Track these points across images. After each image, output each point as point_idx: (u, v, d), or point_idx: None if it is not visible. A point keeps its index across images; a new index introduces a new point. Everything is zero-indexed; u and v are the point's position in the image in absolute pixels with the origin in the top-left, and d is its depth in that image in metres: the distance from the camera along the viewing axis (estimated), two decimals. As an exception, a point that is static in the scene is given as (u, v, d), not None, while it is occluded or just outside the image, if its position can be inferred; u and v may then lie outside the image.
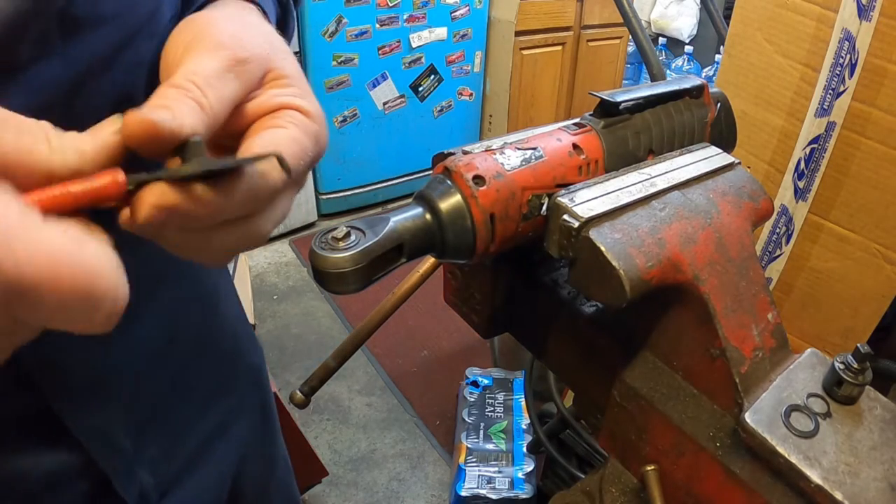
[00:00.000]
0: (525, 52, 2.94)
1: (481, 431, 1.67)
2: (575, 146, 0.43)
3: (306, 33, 2.45)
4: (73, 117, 0.27)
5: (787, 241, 1.00)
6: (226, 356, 0.62)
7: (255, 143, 0.32)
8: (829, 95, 0.87)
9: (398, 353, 2.19)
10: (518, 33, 2.86)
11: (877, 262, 0.91)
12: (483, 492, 1.52)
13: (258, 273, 2.56)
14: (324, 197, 2.85)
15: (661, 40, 3.57)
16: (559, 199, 0.39)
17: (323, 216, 2.90)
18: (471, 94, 3.07)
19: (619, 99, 0.45)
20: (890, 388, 1.01)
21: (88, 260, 0.23)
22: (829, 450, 0.36)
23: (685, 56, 3.30)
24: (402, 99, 2.83)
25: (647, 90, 0.48)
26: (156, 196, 0.27)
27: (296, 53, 2.46)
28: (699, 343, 0.41)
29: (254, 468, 0.68)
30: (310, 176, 1.22)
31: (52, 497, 0.45)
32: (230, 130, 0.33)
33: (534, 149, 0.41)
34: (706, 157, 0.47)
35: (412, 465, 1.81)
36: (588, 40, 3.15)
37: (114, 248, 0.25)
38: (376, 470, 1.80)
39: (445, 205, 0.38)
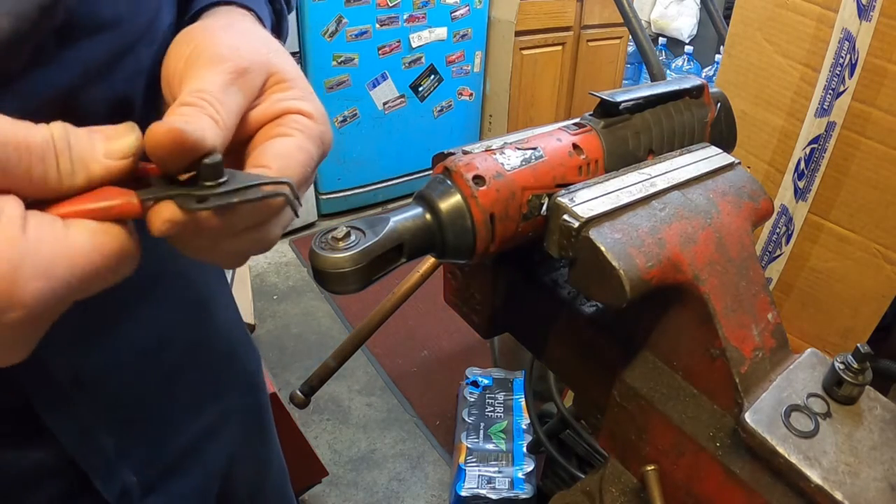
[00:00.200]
0: (525, 52, 2.94)
1: (481, 431, 1.67)
2: (575, 146, 0.43)
3: (306, 33, 2.45)
4: (70, 123, 0.27)
5: (787, 241, 1.00)
6: (218, 359, 0.62)
7: (263, 155, 0.33)
8: (829, 95, 0.87)
9: (398, 353, 2.19)
10: (518, 33, 2.86)
11: (877, 262, 0.91)
12: (483, 492, 1.52)
13: (258, 273, 2.56)
14: (324, 197, 2.84)
15: (661, 40, 3.57)
16: (559, 199, 0.39)
17: (323, 216, 2.90)
18: (471, 94, 3.07)
19: (619, 99, 0.45)
20: (890, 388, 1.01)
21: (107, 243, 0.27)
22: (829, 450, 0.36)
23: (685, 56, 3.30)
24: (402, 99, 2.83)
25: (647, 90, 0.48)
26: (169, 212, 0.29)
27: (295, 53, 2.48)
28: (699, 343, 0.41)
29: (246, 471, 0.68)
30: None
31: (31, 494, 0.45)
32: (235, 139, 0.34)
33: (534, 149, 0.41)
34: (706, 157, 0.47)
35: (412, 465, 1.81)
36: (588, 40, 3.15)
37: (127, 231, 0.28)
38: (376, 470, 1.80)
39: (445, 205, 0.38)
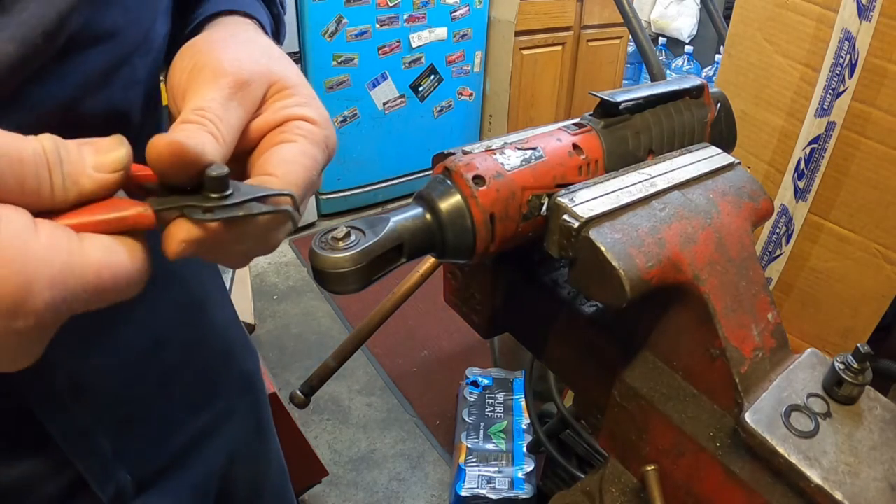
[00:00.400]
0: (525, 52, 2.94)
1: (481, 431, 1.67)
2: (575, 146, 0.43)
3: (306, 33, 2.45)
4: (68, 134, 0.27)
5: (787, 241, 1.00)
6: (215, 359, 0.62)
7: (268, 163, 0.33)
8: (829, 95, 0.87)
9: (398, 353, 2.19)
10: (518, 33, 2.86)
11: (877, 262, 0.91)
12: (483, 492, 1.52)
13: (258, 273, 2.56)
14: (324, 197, 2.85)
15: (661, 40, 3.57)
16: (559, 199, 0.39)
17: (323, 216, 2.90)
18: (471, 94, 3.07)
19: (619, 99, 0.45)
20: (890, 388, 1.01)
21: (120, 262, 0.27)
22: (829, 450, 0.36)
23: (685, 56, 3.30)
24: (402, 99, 2.83)
25: (647, 90, 0.48)
26: (184, 232, 0.29)
27: (295, 53, 2.48)
28: (699, 343, 0.41)
29: (245, 471, 0.68)
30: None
31: (26, 494, 0.45)
32: (239, 150, 0.34)
33: (534, 149, 0.41)
34: (706, 157, 0.47)
35: (412, 465, 1.82)
36: (588, 40, 3.15)
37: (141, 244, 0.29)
38: (376, 470, 1.80)
39: (445, 205, 0.38)
